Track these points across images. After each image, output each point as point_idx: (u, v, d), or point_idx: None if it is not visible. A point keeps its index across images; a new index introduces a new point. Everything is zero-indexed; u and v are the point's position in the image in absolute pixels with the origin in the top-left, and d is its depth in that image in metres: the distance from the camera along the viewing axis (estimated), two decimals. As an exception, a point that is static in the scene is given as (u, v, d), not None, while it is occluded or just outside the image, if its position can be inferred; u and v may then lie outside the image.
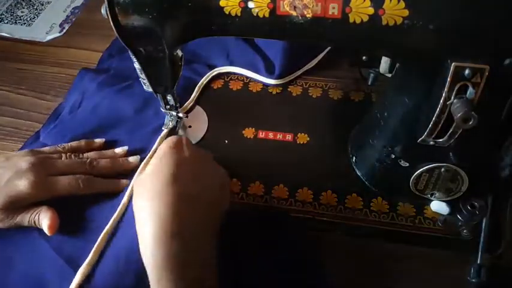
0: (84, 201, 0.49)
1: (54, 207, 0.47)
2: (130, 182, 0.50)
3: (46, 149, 0.52)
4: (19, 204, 0.45)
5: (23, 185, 0.45)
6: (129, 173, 0.52)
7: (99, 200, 0.49)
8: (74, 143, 0.54)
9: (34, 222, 0.46)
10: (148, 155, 0.53)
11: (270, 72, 0.62)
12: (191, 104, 0.60)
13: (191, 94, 0.61)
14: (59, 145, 0.53)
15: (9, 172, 0.45)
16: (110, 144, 0.55)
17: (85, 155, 0.52)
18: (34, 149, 0.51)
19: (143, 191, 0.39)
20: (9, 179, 0.45)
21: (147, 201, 0.38)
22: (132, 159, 0.53)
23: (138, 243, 0.38)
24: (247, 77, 0.64)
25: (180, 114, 0.54)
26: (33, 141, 0.57)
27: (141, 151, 0.54)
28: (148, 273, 0.36)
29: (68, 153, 0.51)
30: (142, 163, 0.52)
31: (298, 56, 0.63)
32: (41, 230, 0.46)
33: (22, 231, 0.47)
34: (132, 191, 0.46)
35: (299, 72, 0.63)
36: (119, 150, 0.54)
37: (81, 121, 0.58)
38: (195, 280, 0.35)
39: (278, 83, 0.62)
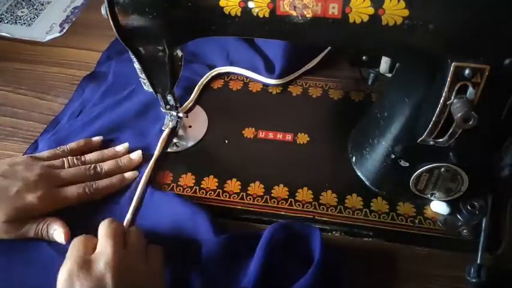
0: (90, 210, 0.49)
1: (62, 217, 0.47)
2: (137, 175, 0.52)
3: (45, 153, 0.52)
4: (26, 216, 0.45)
5: (31, 198, 0.45)
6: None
7: (105, 208, 0.49)
8: (72, 144, 0.54)
9: (41, 234, 0.46)
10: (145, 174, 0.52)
11: (270, 72, 0.62)
12: (191, 104, 0.60)
13: (191, 94, 0.61)
14: (58, 148, 0.53)
15: (16, 184, 0.45)
16: (110, 147, 0.55)
17: (87, 157, 0.52)
18: (35, 156, 0.51)
19: None
20: (18, 191, 0.45)
21: None
22: (134, 155, 0.53)
23: None
24: (247, 77, 0.64)
25: (180, 114, 0.54)
26: (33, 150, 0.57)
27: (143, 154, 0.54)
28: None
29: (70, 158, 0.51)
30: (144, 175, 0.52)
31: (298, 56, 0.63)
32: (52, 244, 0.46)
33: (35, 246, 0.46)
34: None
35: (299, 72, 0.63)
36: (120, 148, 0.54)
37: (80, 129, 0.58)
38: None
39: (278, 83, 0.62)
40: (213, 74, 0.64)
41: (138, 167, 0.53)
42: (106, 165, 0.52)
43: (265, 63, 0.63)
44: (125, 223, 0.46)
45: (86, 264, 0.36)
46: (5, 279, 0.45)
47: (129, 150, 0.55)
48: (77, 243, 0.39)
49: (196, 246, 0.45)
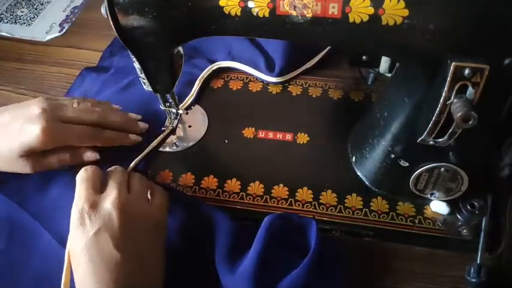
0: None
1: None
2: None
3: (60, 98, 0.53)
4: (34, 150, 0.46)
5: (34, 130, 0.45)
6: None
7: None
8: (90, 99, 0.54)
9: (63, 161, 0.48)
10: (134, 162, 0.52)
11: (270, 70, 0.62)
12: (192, 98, 0.60)
13: (191, 88, 0.61)
14: (75, 97, 0.54)
15: (21, 118, 0.45)
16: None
17: (98, 103, 0.53)
18: (48, 96, 0.52)
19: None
20: (22, 124, 0.45)
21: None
22: (142, 124, 0.55)
23: None
24: (247, 77, 0.64)
25: (180, 111, 0.54)
26: None
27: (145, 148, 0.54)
28: None
29: (81, 99, 0.52)
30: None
31: (298, 55, 0.63)
32: (52, 232, 0.46)
33: (35, 234, 0.47)
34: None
35: (299, 71, 0.63)
36: (132, 114, 0.56)
37: None
38: None
39: (278, 80, 0.62)
40: (213, 68, 0.64)
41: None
42: (113, 116, 0.52)
43: (265, 61, 0.63)
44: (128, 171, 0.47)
45: (94, 203, 0.40)
46: (5, 265, 0.45)
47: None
48: (86, 180, 0.41)
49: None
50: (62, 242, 0.46)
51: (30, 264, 0.45)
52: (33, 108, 0.46)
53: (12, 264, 0.46)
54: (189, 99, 0.60)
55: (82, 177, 0.42)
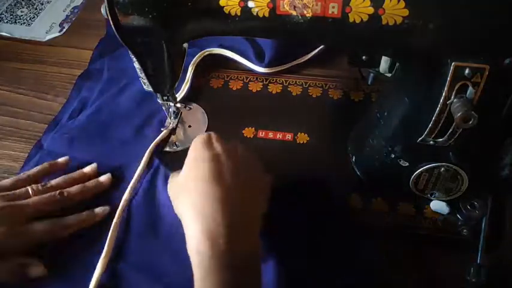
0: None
1: None
2: (106, 208, 0.49)
3: (8, 181, 0.48)
4: None
5: None
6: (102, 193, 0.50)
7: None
8: (37, 168, 0.50)
9: (15, 274, 0.43)
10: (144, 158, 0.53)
11: (260, 61, 0.63)
12: (187, 85, 0.61)
13: (185, 75, 0.62)
14: (22, 174, 0.50)
15: None
16: (114, 144, 0.56)
17: (52, 182, 0.49)
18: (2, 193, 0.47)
19: (184, 193, 0.40)
20: None
21: (190, 202, 0.39)
22: (103, 178, 0.51)
23: None
24: (247, 77, 0.64)
25: (178, 105, 0.54)
26: (38, 150, 0.56)
27: (144, 150, 0.54)
28: (195, 272, 0.36)
29: (35, 186, 0.48)
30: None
31: (290, 48, 0.64)
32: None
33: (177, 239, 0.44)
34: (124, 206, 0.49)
35: (289, 64, 0.64)
36: (87, 169, 0.52)
37: (83, 123, 0.58)
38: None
39: (266, 71, 0.63)
40: (205, 54, 0.65)
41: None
42: (72, 190, 0.48)
43: (255, 52, 0.64)
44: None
45: (209, 141, 0.43)
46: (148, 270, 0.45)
47: (131, 139, 0.55)
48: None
49: None
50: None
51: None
52: None
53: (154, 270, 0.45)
54: (185, 86, 0.61)
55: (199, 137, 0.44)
